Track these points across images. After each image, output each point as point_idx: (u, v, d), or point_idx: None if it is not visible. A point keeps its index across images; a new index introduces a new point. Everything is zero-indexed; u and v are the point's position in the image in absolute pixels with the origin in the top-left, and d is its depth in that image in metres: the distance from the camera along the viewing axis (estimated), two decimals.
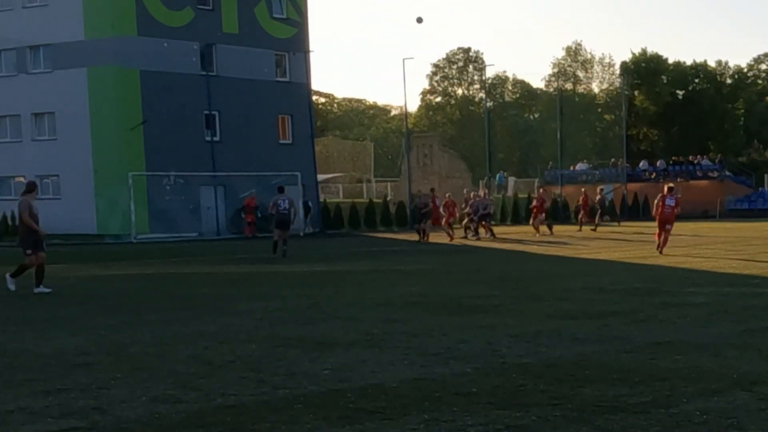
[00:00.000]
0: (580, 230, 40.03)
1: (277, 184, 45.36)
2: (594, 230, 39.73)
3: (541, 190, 44.27)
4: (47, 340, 10.80)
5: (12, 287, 16.80)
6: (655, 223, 24.64)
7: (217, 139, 45.46)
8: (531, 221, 39.46)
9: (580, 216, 42.22)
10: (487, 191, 40.23)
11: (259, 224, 42.44)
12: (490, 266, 22.06)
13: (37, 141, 45.14)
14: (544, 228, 38.31)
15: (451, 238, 34.54)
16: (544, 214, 39.96)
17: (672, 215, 24.67)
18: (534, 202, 39.99)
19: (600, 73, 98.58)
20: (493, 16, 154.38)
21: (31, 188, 17.33)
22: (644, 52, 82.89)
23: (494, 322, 11.47)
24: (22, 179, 46.44)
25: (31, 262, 16.78)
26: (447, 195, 39.19)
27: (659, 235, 24.58)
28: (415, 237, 36.02)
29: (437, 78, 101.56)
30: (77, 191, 43.19)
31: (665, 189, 25.41)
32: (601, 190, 44.51)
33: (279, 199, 26.91)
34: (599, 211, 42.05)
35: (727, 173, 62.53)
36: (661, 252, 24.02)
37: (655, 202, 25.14)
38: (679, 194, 25.68)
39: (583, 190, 45.66)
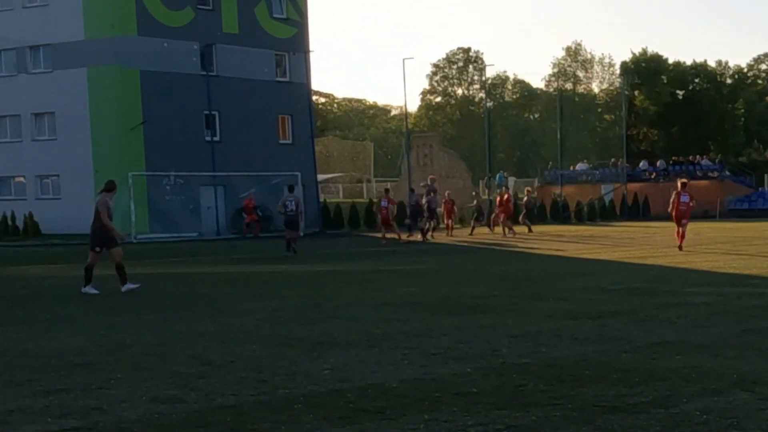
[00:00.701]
0: (492, 231, 39.81)
1: (278, 183, 45.57)
2: (529, 231, 39.35)
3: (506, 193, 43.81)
4: (47, 340, 10.80)
5: (92, 291, 16.30)
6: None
7: (217, 139, 45.47)
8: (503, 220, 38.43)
9: (492, 216, 41.12)
10: (433, 194, 39.57)
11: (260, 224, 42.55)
12: (490, 266, 22.05)
13: (37, 141, 45.16)
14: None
15: (398, 238, 33.80)
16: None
17: (687, 211, 25.51)
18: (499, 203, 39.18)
19: (600, 73, 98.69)
20: (493, 16, 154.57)
21: (110, 187, 16.84)
22: (644, 52, 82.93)
23: (494, 322, 11.47)
24: (22, 179, 46.59)
25: (94, 260, 16.40)
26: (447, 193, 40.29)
27: (678, 233, 25.41)
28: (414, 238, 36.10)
29: (437, 78, 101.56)
30: (77, 191, 43.17)
31: (679, 185, 26.14)
32: (528, 191, 44.24)
33: (287, 199, 28.13)
34: (524, 212, 41.88)
35: (727, 173, 62.53)
36: (680, 248, 24.69)
37: (671, 199, 25.88)
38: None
39: (504, 188, 45.10)
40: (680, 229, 25.38)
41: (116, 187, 17.07)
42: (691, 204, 25.82)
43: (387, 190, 37.43)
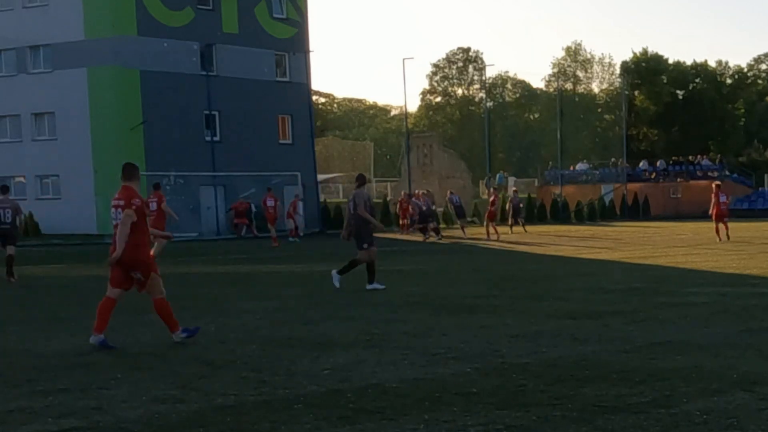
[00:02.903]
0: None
1: (278, 183, 45.53)
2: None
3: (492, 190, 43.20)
4: (47, 340, 10.80)
5: (337, 284, 16.01)
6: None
7: (217, 139, 45.46)
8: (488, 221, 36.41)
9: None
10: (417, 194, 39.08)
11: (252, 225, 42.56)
12: (490, 266, 22.04)
13: (37, 141, 45.13)
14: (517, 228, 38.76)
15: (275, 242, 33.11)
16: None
17: (726, 210, 30.21)
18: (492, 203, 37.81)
19: (600, 73, 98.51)
20: (493, 16, 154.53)
21: (363, 181, 16.38)
22: (645, 52, 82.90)
23: (494, 322, 11.47)
24: (22, 179, 46.55)
25: (363, 257, 16.02)
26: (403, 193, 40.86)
27: (718, 230, 29.45)
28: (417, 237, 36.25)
29: (437, 78, 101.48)
30: (77, 191, 43.18)
31: (714, 187, 30.35)
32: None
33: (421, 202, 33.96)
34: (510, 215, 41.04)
35: (727, 173, 62.54)
36: (728, 238, 28.95)
37: (712, 201, 29.78)
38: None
39: (493, 189, 43.50)
40: (721, 225, 29.25)
41: (366, 180, 16.65)
42: (727, 201, 30.33)
43: (270, 189, 36.61)
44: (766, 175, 61.62)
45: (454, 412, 6.77)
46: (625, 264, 21.47)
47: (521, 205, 41.54)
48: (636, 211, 58.34)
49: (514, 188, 45.61)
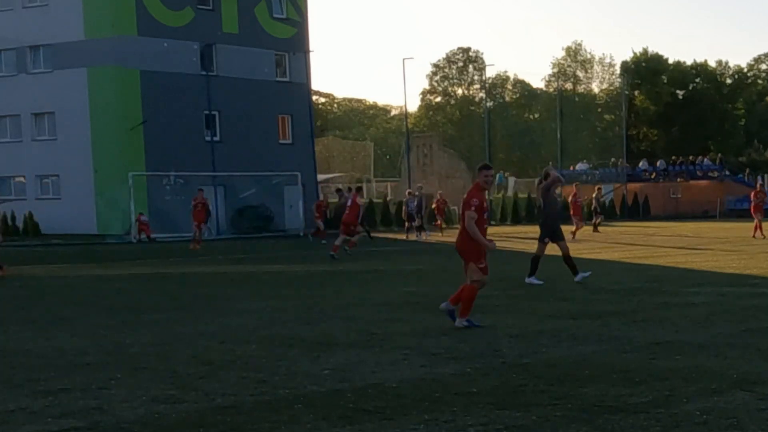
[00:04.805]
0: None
1: (278, 183, 45.57)
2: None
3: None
4: (47, 340, 10.80)
5: (537, 281, 16.41)
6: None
7: (217, 139, 45.46)
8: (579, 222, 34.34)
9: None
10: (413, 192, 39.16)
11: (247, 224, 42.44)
12: (490, 266, 21.99)
13: (37, 141, 45.13)
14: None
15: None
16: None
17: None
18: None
19: (600, 73, 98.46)
20: (493, 16, 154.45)
21: (547, 175, 16.74)
22: (645, 52, 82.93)
23: (494, 322, 11.47)
24: (22, 179, 46.56)
25: (541, 250, 16.60)
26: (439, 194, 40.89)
27: (759, 226, 31.43)
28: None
29: (437, 78, 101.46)
30: (77, 191, 43.17)
31: (758, 186, 34.22)
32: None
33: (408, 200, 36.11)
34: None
35: (727, 173, 62.56)
36: (764, 236, 30.68)
37: (754, 203, 32.71)
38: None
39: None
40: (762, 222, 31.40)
41: (552, 175, 16.83)
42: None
43: (201, 189, 34.87)
44: (765, 175, 61.62)
45: (454, 412, 6.77)
46: (625, 264, 21.46)
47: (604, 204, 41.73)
48: (636, 211, 58.34)
49: (599, 187, 44.51)
